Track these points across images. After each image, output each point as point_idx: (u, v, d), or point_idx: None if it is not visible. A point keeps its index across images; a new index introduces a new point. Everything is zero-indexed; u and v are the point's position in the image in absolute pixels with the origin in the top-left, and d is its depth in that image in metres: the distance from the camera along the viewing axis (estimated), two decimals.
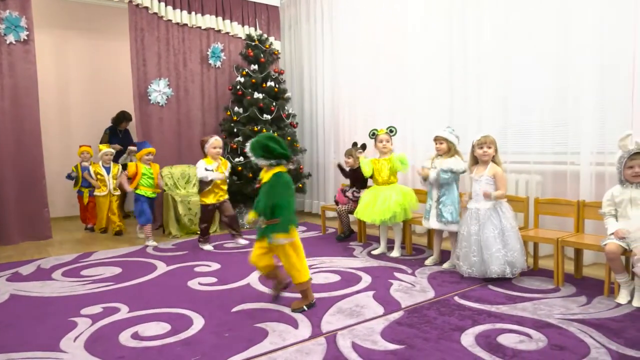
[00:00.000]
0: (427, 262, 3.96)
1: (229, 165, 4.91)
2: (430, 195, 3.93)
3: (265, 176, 2.89)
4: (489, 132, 3.69)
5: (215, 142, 4.74)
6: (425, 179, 3.88)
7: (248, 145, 2.91)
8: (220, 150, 4.80)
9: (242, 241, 4.82)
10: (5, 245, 5.05)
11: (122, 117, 6.88)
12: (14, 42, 5.10)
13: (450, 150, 3.80)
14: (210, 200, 4.71)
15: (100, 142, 6.59)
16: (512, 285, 3.31)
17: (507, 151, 4.29)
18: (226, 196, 4.84)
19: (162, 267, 4.05)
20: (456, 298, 3.08)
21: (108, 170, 5.79)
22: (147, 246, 4.92)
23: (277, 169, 2.85)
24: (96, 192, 5.78)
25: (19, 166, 5.21)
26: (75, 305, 3.08)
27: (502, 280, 3.39)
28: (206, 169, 4.62)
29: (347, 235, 5.02)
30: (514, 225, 3.37)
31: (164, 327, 2.69)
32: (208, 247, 4.73)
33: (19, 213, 5.21)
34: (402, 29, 5.33)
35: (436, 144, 3.86)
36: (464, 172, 3.74)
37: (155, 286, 3.53)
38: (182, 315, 2.88)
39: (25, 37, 5.16)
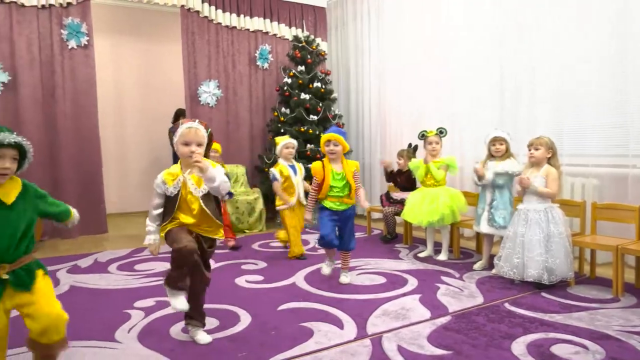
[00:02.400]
0: (476, 266, 3.86)
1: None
2: (482, 199, 3.82)
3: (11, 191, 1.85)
4: (542, 133, 3.56)
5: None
6: (480, 178, 3.74)
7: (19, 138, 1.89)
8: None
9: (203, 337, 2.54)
10: (65, 239, 5.33)
11: (177, 114, 6.88)
12: (75, 47, 5.37)
13: (507, 151, 3.69)
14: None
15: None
16: (567, 294, 3.17)
17: (562, 153, 4.09)
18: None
19: (210, 264, 4.13)
20: (506, 305, 2.99)
21: (294, 169, 4.35)
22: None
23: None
24: (280, 205, 4.27)
25: (79, 164, 5.48)
26: (129, 298, 3.20)
27: (556, 288, 3.25)
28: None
29: (392, 237, 4.96)
30: (561, 232, 3.22)
31: (212, 322, 2.76)
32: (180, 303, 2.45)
33: (77, 209, 5.45)
34: (451, 28, 5.22)
35: (495, 145, 3.72)
36: (519, 174, 3.59)
37: None
38: (230, 312, 2.94)
39: (86, 42, 5.42)
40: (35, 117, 5.21)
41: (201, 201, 2.40)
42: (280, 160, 4.34)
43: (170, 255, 2.36)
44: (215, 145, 4.31)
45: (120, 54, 7.42)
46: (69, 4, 5.30)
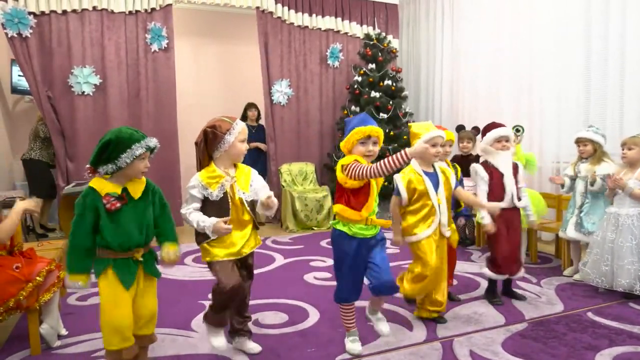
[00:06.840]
0: (566, 272, 3.65)
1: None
2: (572, 203, 3.59)
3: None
4: (635, 132, 3.30)
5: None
6: (563, 186, 3.56)
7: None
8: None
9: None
10: None
11: (245, 108, 6.44)
12: (157, 50, 5.69)
13: (597, 152, 3.40)
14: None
15: None
16: None
17: None
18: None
19: (280, 260, 4.23)
20: (589, 314, 2.80)
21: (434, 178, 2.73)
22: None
23: None
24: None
25: (159, 161, 5.77)
26: (203, 290, 3.34)
27: None
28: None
29: (467, 240, 4.73)
30: None
31: (282, 317, 2.82)
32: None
33: None
34: (531, 24, 4.94)
35: (579, 146, 3.50)
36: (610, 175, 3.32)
37: (274, 277, 3.70)
38: (299, 307, 2.98)
39: (166, 45, 5.72)
40: (122, 116, 5.57)
41: (247, 206, 2.22)
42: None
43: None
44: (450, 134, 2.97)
45: (200, 56, 7.74)
46: (153, 9, 5.62)
